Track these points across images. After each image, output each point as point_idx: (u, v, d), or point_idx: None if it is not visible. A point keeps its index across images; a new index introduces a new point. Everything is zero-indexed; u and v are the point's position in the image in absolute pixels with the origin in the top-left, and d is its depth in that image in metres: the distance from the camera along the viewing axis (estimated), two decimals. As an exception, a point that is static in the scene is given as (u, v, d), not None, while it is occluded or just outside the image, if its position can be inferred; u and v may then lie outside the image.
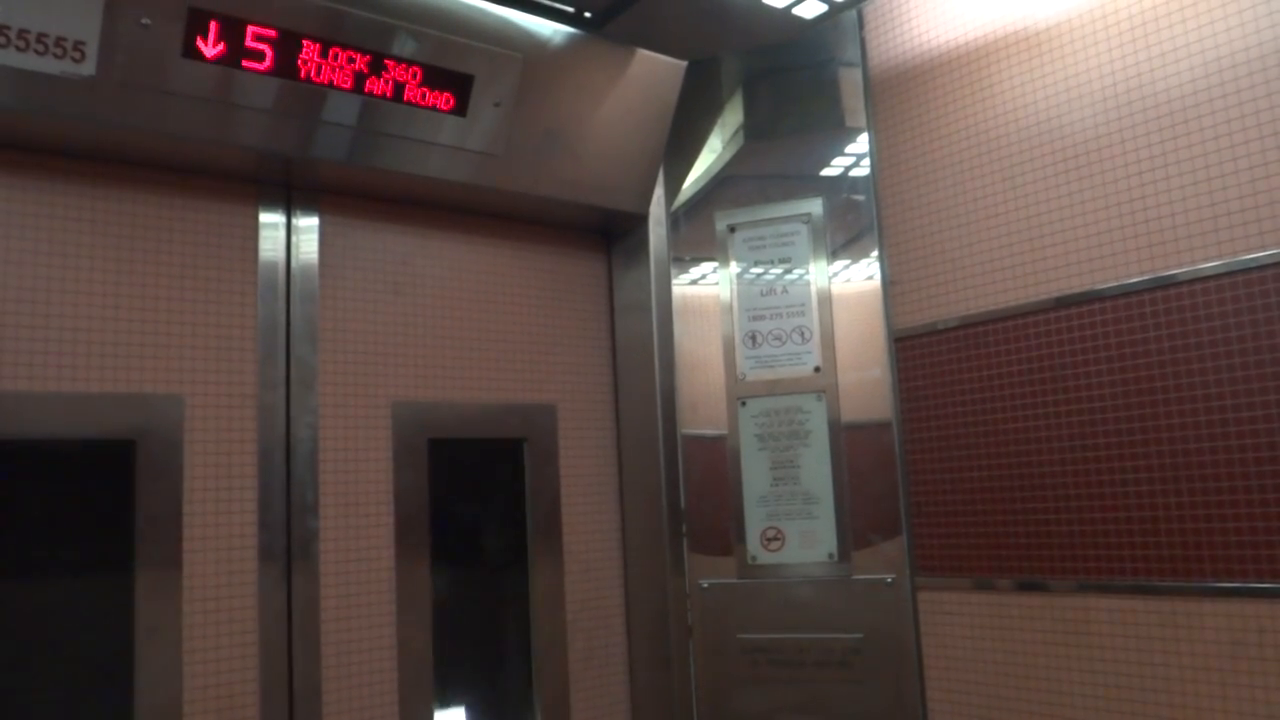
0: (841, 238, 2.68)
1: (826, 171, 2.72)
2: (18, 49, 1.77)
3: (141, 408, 2.07)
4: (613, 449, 2.85)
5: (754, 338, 2.72)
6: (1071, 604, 2.18)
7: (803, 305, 2.69)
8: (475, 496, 2.64)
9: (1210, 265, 1.98)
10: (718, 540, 2.68)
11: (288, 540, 2.21)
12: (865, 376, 2.60)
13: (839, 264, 2.67)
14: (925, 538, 2.48)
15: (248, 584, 2.15)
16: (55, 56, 1.81)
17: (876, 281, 2.62)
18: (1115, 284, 2.14)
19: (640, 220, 2.81)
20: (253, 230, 2.28)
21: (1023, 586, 2.28)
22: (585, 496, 2.76)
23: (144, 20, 1.86)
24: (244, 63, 2.00)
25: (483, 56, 2.27)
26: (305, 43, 2.06)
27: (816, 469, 2.61)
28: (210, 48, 1.95)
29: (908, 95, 2.59)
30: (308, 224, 2.36)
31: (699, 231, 2.82)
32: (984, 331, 2.38)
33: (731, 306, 2.75)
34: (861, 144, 2.68)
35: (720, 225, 2.79)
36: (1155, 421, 2.06)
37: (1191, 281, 2.01)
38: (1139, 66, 2.13)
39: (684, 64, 2.61)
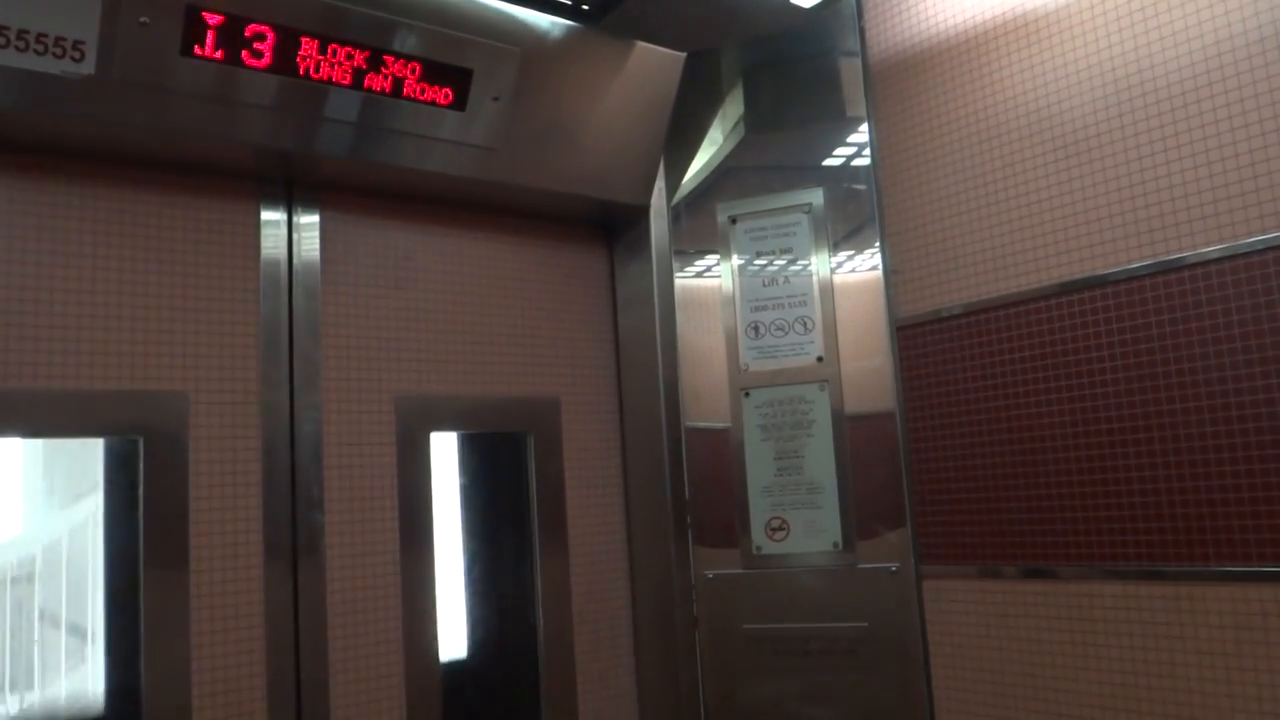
0: (843, 227, 2.68)
1: (827, 162, 2.72)
2: (17, 49, 1.78)
3: (146, 405, 2.08)
4: (616, 442, 2.85)
5: (756, 328, 2.72)
6: (1077, 590, 2.18)
7: (805, 295, 2.69)
8: (479, 490, 2.64)
9: (1212, 249, 1.98)
10: (722, 531, 2.69)
11: (293, 535, 2.22)
12: (868, 365, 2.60)
13: (841, 254, 2.67)
14: (929, 526, 2.48)
15: (254, 580, 2.16)
16: (55, 56, 1.82)
17: (878, 270, 2.62)
18: (1118, 269, 2.13)
19: (641, 213, 2.81)
20: (254, 227, 2.29)
21: (1028, 573, 2.27)
22: (589, 489, 2.76)
23: (143, 19, 1.87)
24: (243, 60, 2.00)
25: (481, 51, 2.27)
26: (304, 39, 2.06)
27: (820, 459, 2.61)
28: (209, 46, 1.95)
29: (907, 84, 2.59)
30: (309, 220, 2.37)
31: (700, 223, 2.82)
32: (986, 318, 2.38)
33: (734, 298, 2.75)
34: (862, 133, 2.67)
35: (721, 217, 2.79)
36: (1159, 405, 2.05)
37: (1194, 265, 2.01)
38: (1139, 51, 2.12)
39: (683, 56, 2.60)
